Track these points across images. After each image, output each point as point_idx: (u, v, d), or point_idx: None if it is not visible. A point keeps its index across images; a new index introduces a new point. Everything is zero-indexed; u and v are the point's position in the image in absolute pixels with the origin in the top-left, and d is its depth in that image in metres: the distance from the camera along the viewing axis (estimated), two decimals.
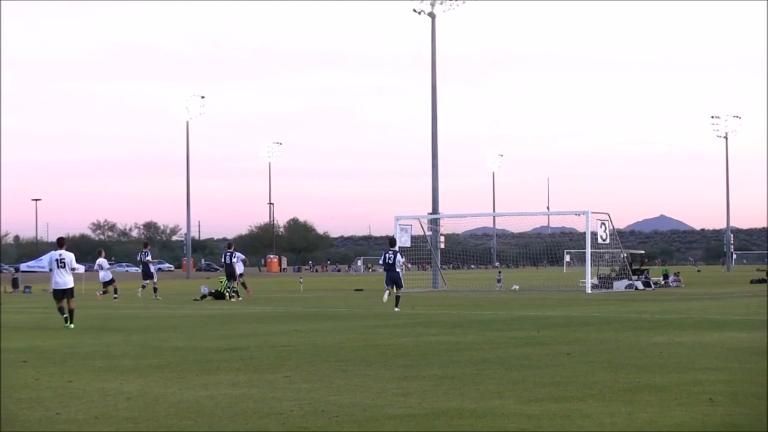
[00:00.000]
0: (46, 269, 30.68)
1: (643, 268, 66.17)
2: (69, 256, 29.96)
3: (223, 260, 52.43)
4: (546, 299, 47.98)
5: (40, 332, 28.47)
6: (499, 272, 69.73)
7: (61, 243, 30.77)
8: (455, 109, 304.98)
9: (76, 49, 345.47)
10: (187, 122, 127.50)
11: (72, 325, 29.07)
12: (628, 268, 62.65)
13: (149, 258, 56.62)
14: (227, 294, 50.18)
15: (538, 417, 11.77)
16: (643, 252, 64.33)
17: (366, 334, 25.60)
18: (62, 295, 29.50)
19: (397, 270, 39.81)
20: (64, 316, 29.43)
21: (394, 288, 39.38)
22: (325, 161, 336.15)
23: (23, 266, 71.62)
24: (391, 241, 44.10)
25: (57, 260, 29.62)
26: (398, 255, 40.36)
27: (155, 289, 54.14)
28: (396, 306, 38.28)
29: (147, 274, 55.81)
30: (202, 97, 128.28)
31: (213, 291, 51.83)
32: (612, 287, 59.65)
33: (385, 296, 39.36)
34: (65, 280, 29.65)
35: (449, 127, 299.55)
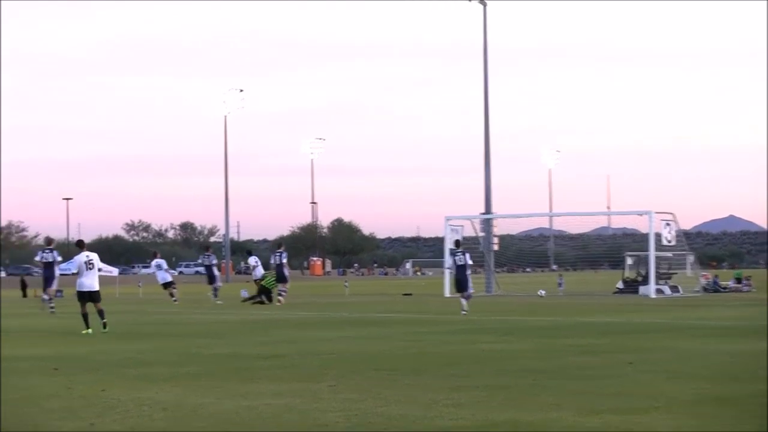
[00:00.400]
0: (73, 272, 30.60)
1: (671, 272, 64.85)
2: (96, 258, 30.14)
3: (272, 261, 52.20)
4: (606, 304, 47.65)
5: (72, 338, 28.56)
6: (560, 275, 69.40)
7: (81, 245, 30.99)
8: (508, 103, 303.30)
9: (107, 44, 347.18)
10: (225, 117, 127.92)
11: (106, 329, 29.12)
12: (656, 271, 61.27)
13: (214, 261, 57.01)
14: (276, 297, 50.10)
15: (598, 430, 11.70)
16: (671, 255, 63.13)
17: (415, 341, 25.56)
18: (89, 297, 29.59)
19: (468, 272, 39.92)
20: (87, 322, 29.41)
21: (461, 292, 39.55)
22: (370, 158, 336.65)
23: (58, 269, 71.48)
24: (458, 242, 44.33)
25: (86, 262, 29.69)
26: (467, 255, 40.44)
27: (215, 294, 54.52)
28: (464, 309, 38.30)
29: (212, 278, 55.94)
30: (241, 91, 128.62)
31: (260, 291, 51.96)
32: (638, 292, 58.91)
33: (465, 305, 39.07)
34: (93, 282, 29.77)
35: (502, 122, 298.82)
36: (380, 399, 14.70)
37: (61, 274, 48.05)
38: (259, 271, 54.16)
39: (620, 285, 60.75)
